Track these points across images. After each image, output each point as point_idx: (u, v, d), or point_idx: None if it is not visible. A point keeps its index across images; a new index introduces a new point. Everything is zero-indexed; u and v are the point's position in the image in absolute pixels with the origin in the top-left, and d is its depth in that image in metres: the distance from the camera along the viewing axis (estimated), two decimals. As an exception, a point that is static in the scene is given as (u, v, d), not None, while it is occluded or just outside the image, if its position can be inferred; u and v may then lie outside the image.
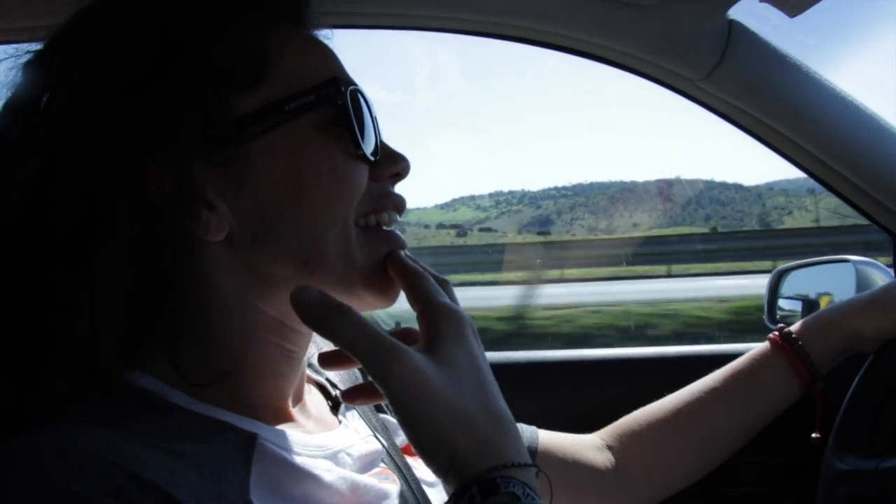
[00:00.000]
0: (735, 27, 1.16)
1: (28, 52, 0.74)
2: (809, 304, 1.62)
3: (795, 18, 1.12)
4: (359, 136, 0.74)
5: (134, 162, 0.67)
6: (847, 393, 1.19)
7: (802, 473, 1.25)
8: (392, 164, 0.79)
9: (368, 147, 0.76)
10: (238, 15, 0.73)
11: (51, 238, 0.66)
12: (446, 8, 1.12)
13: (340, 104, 0.74)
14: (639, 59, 1.20)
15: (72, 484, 0.54)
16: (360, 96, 0.77)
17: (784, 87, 1.20)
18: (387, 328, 0.95)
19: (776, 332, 1.19)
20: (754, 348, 1.21)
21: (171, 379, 0.70)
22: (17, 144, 0.70)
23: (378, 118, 0.81)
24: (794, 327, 1.20)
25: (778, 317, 1.65)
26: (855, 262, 1.51)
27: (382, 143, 0.80)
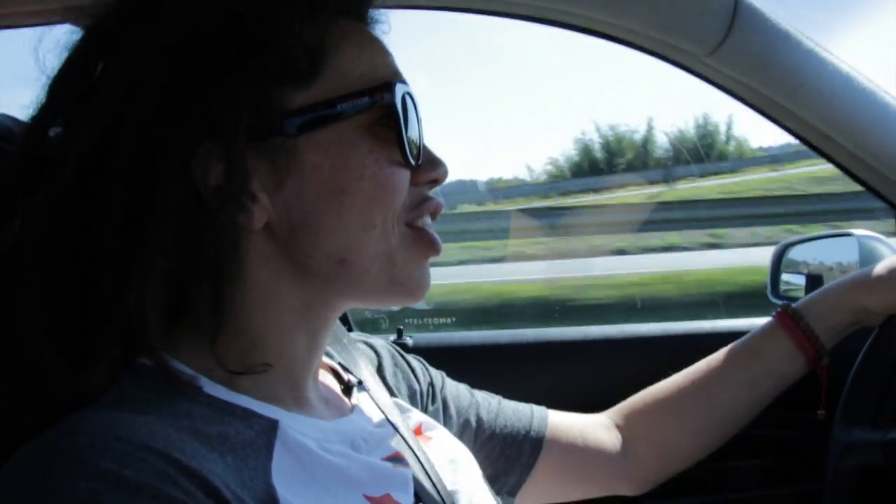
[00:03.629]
0: (740, 3, 1.16)
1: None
2: (813, 279, 1.63)
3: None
4: (406, 143, 0.74)
5: (189, 146, 0.67)
6: (852, 366, 1.21)
7: (812, 445, 1.27)
8: (432, 170, 0.80)
9: (413, 152, 0.76)
10: (303, 7, 0.72)
11: (104, 212, 0.67)
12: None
13: (392, 109, 0.74)
14: (644, 36, 1.20)
15: (123, 469, 0.55)
16: (409, 99, 0.77)
17: (789, 63, 1.20)
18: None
19: (781, 309, 1.20)
20: (760, 325, 1.23)
21: (198, 364, 0.71)
22: (72, 112, 0.70)
23: (422, 119, 0.81)
24: (799, 304, 1.20)
25: (782, 291, 1.67)
26: (858, 236, 1.52)
27: (424, 147, 0.80)
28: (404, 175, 0.76)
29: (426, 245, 0.79)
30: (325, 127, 0.72)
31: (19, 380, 0.67)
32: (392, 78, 0.76)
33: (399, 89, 0.75)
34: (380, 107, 0.74)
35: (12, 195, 0.69)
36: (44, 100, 0.71)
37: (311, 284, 0.75)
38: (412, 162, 0.76)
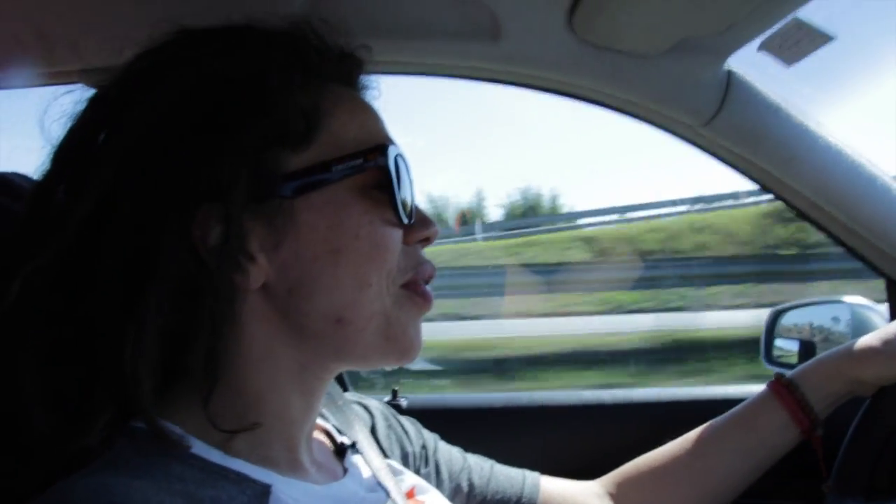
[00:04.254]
0: (733, 77, 1.21)
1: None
2: (806, 345, 1.64)
3: (791, 68, 1.17)
4: (399, 203, 0.76)
5: (188, 208, 0.69)
6: (845, 435, 1.20)
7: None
8: (423, 229, 0.82)
9: (405, 212, 0.78)
10: (299, 74, 0.75)
11: (103, 272, 0.68)
12: (456, 57, 1.15)
13: (386, 171, 0.76)
14: (641, 107, 1.24)
15: None
16: (401, 161, 0.79)
17: (781, 136, 1.24)
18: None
19: (775, 380, 1.20)
20: (754, 394, 1.22)
21: (192, 426, 0.71)
22: (74, 179, 0.71)
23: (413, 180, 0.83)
24: (793, 374, 1.20)
25: (775, 357, 1.68)
26: (849, 304, 1.54)
27: (416, 207, 0.82)
28: (397, 234, 0.78)
29: (419, 299, 0.80)
30: (321, 188, 0.73)
31: (14, 440, 0.67)
32: (384, 141, 0.79)
33: (391, 151, 0.77)
34: (374, 168, 0.76)
35: (15, 258, 0.69)
36: (48, 167, 0.73)
37: (308, 345, 0.76)
38: (405, 221, 0.78)
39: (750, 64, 1.22)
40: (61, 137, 0.74)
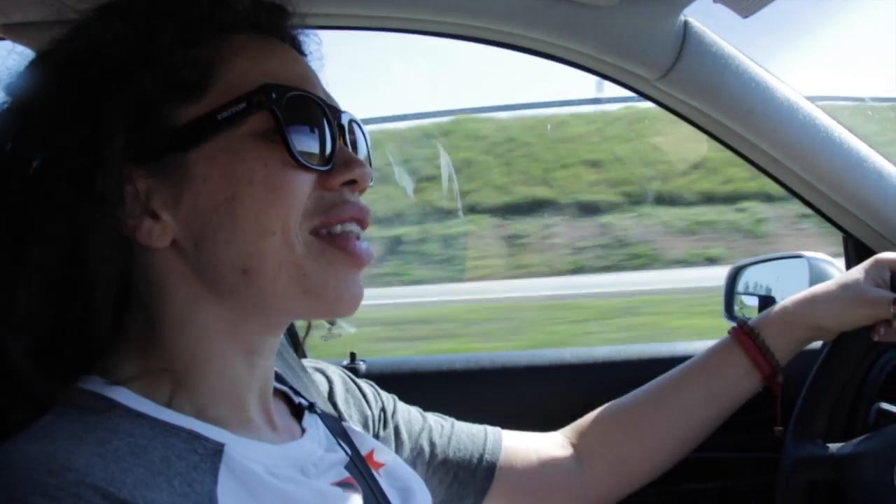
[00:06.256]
0: (690, 28, 1.19)
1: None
2: (765, 299, 1.65)
3: (748, 19, 1.14)
4: (292, 143, 0.72)
5: (76, 162, 0.69)
6: (803, 385, 1.22)
7: (767, 466, 1.28)
8: (345, 172, 0.77)
9: (311, 154, 0.74)
10: (191, 26, 0.73)
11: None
12: (407, 9, 1.12)
13: (272, 110, 0.72)
14: (597, 60, 1.22)
15: None
16: (304, 101, 0.75)
17: (738, 87, 1.23)
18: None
19: (738, 326, 1.21)
20: (716, 342, 1.23)
21: (139, 386, 0.70)
22: None
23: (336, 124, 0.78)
24: (755, 321, 1.21)
25: (735, 312, 1.69)
26: (808, 258, 1.55)
27: (340, 149, 0.78)
28: (301, 178, 0.73)
29: (342, 254, 0.76)
30: (212, 139, 0.72)
31: None
32: (282, 81, 0.74)
33: (283, 92, 0.73)
34: (264, 111, 0.72)
35: None
36: None
37: (226, 300, 0.75)
38: (303, 162, 0.73)
39: (707, 15, 1.20)
40: None
